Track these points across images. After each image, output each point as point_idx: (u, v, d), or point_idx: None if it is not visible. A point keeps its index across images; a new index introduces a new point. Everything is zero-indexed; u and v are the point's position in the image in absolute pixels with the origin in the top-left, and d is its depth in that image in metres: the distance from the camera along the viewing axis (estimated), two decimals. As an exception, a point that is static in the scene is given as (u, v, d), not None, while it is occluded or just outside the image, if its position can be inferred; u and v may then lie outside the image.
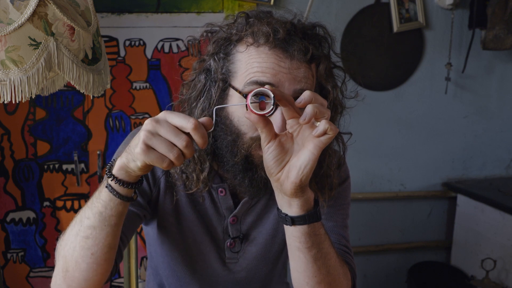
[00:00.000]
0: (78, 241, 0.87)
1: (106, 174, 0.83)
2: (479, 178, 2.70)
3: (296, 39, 0.92)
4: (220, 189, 1.05)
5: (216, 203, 1.08)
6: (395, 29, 2.40)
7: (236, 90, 0.94)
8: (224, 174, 1.05)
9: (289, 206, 0.83)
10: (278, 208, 0.86)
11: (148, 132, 0.73)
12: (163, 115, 0.75)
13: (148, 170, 0.79)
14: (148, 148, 0.74)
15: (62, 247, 0.90)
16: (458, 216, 2.58)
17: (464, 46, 2.51)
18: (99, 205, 0.84)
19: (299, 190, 0.80)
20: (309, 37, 0.95)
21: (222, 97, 0.97)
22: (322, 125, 0.73)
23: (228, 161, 0.98)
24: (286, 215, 0.84)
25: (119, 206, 0.84)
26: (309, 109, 0.73)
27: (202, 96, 0.99)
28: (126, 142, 1.07)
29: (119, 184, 0.81)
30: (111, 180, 0.82)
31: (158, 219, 1.10)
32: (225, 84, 0.96)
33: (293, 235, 0.86)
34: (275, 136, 0.79)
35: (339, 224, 1.08)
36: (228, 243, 1.10)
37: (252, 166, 0.96)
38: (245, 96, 0.90)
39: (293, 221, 0.83)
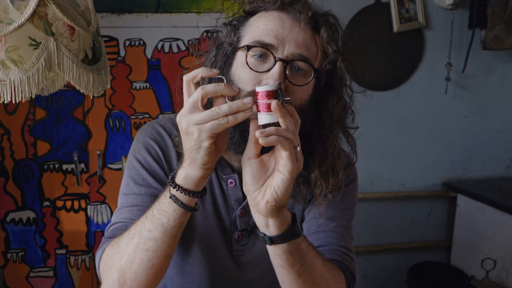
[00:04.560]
0: (138, 254, 0.87)
1: (169, 184, 0.83)
2: (479, 178, 2.70)
3: (301, 3, 0.95)
4: (230, 180, 1.05)
5: (226, 195, 1.07)
6: (395, 29, 2.40)
7: (240, 48, 0.95)
8: (232, 162, 1.04)
9: (266, 226, 0.84)
10: (256, 227, 0.87)
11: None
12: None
13: (213, 160, 0.80)
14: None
15: (116, 259, 0.89)
16: (458, 216, 2.58)
17: (464, 46, 2.51)
18: (161, 216, 0.84)
19: (275, 210, 0.80)
20: (316, 12, 0.98)
21: (229, 62, 0.98)
22: (271, 138, 0.75)
23: None
24: (265, 235, 0.85)
25: (182, 217, 0.85)
26: (269, 130, 0.75)
27: (210, 64, 1.01)
28: (138, 140, 1.08)
29: (184, 193, 0.82)
30: (176, 190, 0.82)
31: None
32: (232, 49, 0.98)
33: (275, 254, 0.87)
34: (258, 155, 0.81)
35: (342, 224, 1.07)
36: (236, 236, 1.09)
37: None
38: (247, 47, 0.91)
39: (272, 241, 0.84)
